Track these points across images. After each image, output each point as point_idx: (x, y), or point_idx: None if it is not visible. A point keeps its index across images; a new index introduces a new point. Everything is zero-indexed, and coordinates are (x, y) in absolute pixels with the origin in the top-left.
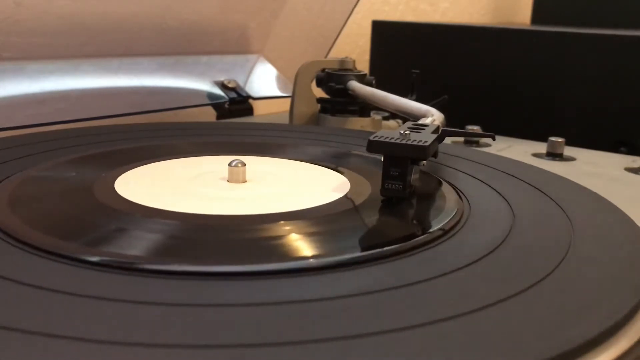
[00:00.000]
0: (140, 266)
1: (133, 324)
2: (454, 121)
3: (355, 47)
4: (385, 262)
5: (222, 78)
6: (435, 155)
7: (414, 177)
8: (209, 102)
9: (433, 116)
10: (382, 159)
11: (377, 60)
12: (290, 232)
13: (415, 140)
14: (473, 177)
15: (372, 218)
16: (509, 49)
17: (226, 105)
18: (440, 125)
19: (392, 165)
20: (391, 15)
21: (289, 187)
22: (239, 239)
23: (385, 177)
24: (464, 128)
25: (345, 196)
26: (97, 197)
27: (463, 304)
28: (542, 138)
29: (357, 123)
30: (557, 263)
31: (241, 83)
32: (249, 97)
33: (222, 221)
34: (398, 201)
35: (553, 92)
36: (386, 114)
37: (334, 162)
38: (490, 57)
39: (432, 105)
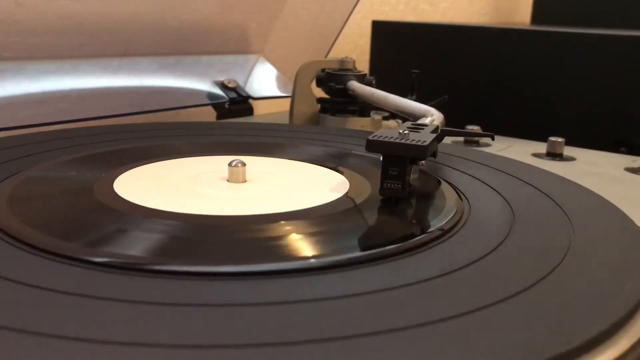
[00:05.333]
0: (141, 266)
1: (133, 324)
2: (454, 121)
3: (355, 47)
4: (386, 262)
5: (222, 78)
6: (434, 155)
7: (413, 176)
8: (209, 102)
9: (432, 116)
10: (381, 159)
11: (377, 60)
12: (290, 232)
13: (414, 140)
14: (473, 177)
15: (372, 218)
16: (509, 49)
17: (226, 105)
18: (439, 125)
19: (391, 165)
20: (391, 15)
21: (289, 187)
22: (239, 239)
23: (384, 176)
24: (464, 128)
25: (345, 196)
26: (97, 197)
27: (463, 304)
28: (542, 138)
29: (357, 123)
30: (557, 263)
31: (241, 83)
32: (249, 97)
33: (222, 221)
34: (397, 201)
35: (553, 92)
36: (386, 114)
37: (334, 162)
38: (490, 57)
39: (432, 105)
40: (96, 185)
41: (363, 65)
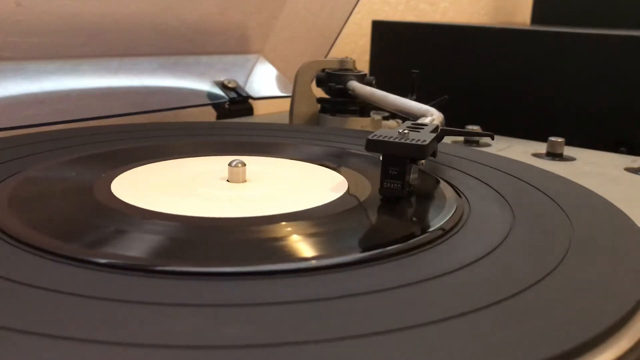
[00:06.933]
0: (141, 267)
1: (132, 325)
2: (454, 121)
3: (355, 47)
4: (386, 262)
5: (222, 78)
6: (434, 154)
7: (413, 176)
8: (209, 102)
9: (432, 116)
10: (381, 159)
11: (377, 60)
12: (290, 233)
13: (413, 139)
14: (473, 177)
15: (372, 218)
16: (509, 49)
17: (226, 105)
18: (439, 124)
19: (391, 164)
20: (391, 15)
21: (289, 187)
22: (239, 240)
23: (384, 176)
24: (463, 128)
25: (345, 196)
26: (97, 198)
27: (463, 304)
28: (542, 138)
29: (357, 123)
30: (556, 263)
31: (241, 83)
32: (249, 97)
33: (222, 222)
34: (397, 200)
35: (553, 92)
36: (386, 114)
37: (334, 162)
38: (490, 57)
39: (432, 105)
40: (96, 185)
41: (363, 65)
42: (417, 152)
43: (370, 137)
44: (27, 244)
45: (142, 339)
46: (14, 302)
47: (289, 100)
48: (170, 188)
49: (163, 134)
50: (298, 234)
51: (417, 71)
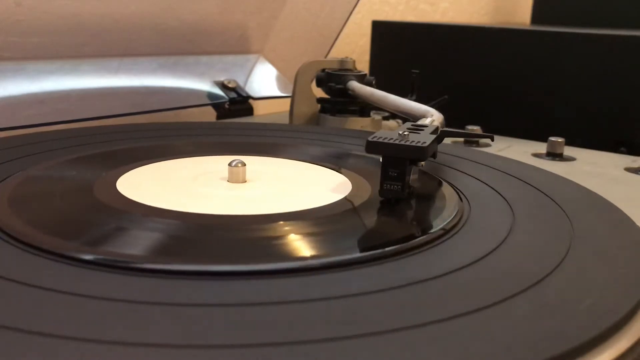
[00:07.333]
0: (141, 266)
1: (133, 324)
2: (454, 121)
3: (355, 47)
4: (386, 262)
5: (222, 78)
6: (434, 155)
7: (413, 177)
8: (209, 102)
9: (432, 116)
10: (381, 160)
11: (377, 60)
12: (290, 232)
13: (414, 141)
14: (473, 177)
15: (372, 218)
16: (509, 49)
17: (226, 105)
18: (439, 125)
19: (391, 166)
20: (391, 15)
21: (289, 187)
22: (239, 239)
23: (384, 177)
24: (464, 128)
25: (346, 196)
26: (97, 197)
27: (463, 304)
28: (542, 138)
29: (357, 123)
30: (556, 263)
31: (241, 83)
32: (249, 97)
33: (222, 221)
34: (397, 201)
35: (553, 92)
36: (386, 114)
37: (334, 162)
38: (491, 57)
39: (432, 106)
40: (96, 185)
41: (363, 65)
42: (417, 154)
43: (370, 138)
44: (27, 244)
45: (141, 338)
46: (14, 301)
47: (289, 100)
48: (171, 188)
49: (163, 134)
50: (297, 233)
51: (417, 71)
